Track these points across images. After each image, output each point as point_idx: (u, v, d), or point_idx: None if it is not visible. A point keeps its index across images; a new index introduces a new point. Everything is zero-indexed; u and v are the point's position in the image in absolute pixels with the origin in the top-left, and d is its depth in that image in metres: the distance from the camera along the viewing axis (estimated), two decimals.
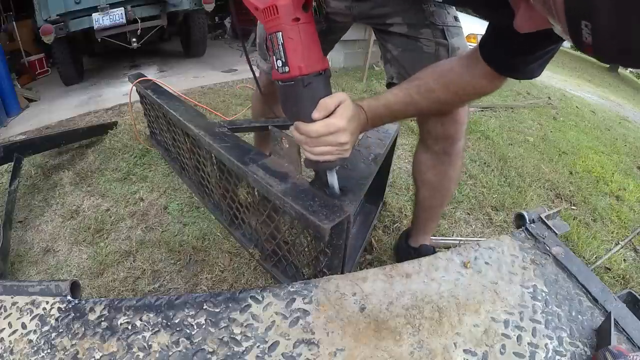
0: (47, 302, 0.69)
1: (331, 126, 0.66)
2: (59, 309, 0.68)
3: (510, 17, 0.52)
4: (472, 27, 4.66)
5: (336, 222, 0.78)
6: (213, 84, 3.42)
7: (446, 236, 1.51)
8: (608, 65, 15.36)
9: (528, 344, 0.66)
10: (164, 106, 1.43)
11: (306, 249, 1.03)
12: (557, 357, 0.66)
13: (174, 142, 1.59)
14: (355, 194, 0.88)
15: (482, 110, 3.20)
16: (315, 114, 0.66)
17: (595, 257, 1.50)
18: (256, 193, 1.07)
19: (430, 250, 1.22)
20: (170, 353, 0.61)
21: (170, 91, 1.63)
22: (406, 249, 1.26)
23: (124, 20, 3.20)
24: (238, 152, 1.06)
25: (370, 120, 0.76)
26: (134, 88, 1.74)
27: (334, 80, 3.48)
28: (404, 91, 0.76)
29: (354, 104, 0.72)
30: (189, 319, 0.65)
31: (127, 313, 0.66)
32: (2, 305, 0.70)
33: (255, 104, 1.51)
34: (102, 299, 0.71)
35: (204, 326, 0.64)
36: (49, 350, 0.63)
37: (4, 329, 0.67)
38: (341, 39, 1.22)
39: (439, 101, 0.76)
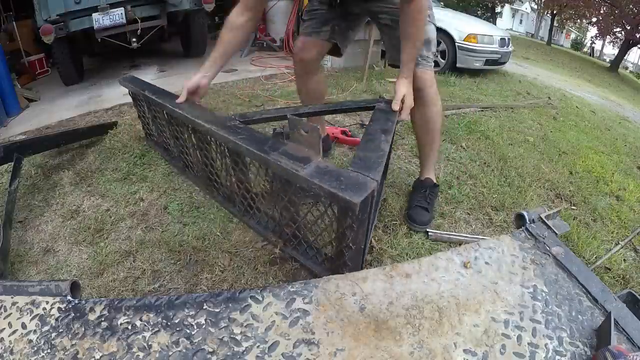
0: (47, 302, 0.69)
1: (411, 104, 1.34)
2: (59, 309, 0.68)
3: None
4: (472, 28, 4.67)
5: (364, 197, 0.83)
6: (213, 84, 3.39)
7: None
8: (608, 65, 15.38)
9: (528, 344, 0.66)
10: (166, 105, 1.42)
11: (329, 228, 1.08)
12: (557, 357, 0.66)
13: (176, 140, 1.59)
14: (376, 170, 0.93)
15: (482, 110, 3.20)
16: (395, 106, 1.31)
17: (595, 257, 1.50)
18: (277, 180, 1.10)
19: (431, 182, 1.66)
20: (170, 353, 0.61)
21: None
22: (416, 182, 1.72)
23: (124, 20, 3.20)
24: (256, 143, 1.08)
25: (412, 74, 1.34)
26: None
27: (335, 80, 3.48)
28: (406, 49, 1.31)
29: (401, 80, 1.32)
30: (189, 319, 0.65)
31: (127, 313, 0.66)
32: (2, 305, 0.70)
33: (295, 80, 1.86)
34: (102, 299, 0.71)
35: (204, 326, 0.64)
36: (49, 350, 0.63)
37: (4, 329, 0.67)
38: None
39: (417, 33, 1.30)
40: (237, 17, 1.38)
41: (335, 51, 1.65)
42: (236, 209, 1.42)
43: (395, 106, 1.29)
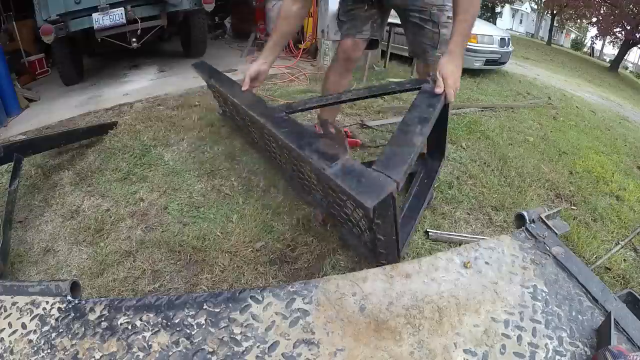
0: (47, 302, 0.69)
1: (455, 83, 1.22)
2: (59, 309, 0.68)
3: None
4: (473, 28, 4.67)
5: (378, 201, 0.82)
6: None
7: None
8: (608, 66, 15.39)
9: (528, 343, 0.66)
10: (228, 95, 1.50)
11: (362, 221, 1.10)
12: (557, 357, 0.66)
13: (243, 121, 1.67)
14: (399, 169, 0.92)
15: (482, 110, 3.20)
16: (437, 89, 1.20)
17: (595, 257, 1.50)
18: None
19: None
20: (170, 353, 0.61)
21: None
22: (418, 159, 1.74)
23: (124, 20, 3.19)
24: (296, 137, 1.11)
25: (460, 50, 1.24)
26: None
27: None
28: (457, 22, 1.25)
29: (445, 57, 1.23)
30: (189, 319, 0.65)
31: (127, 313, 0.66)
32: (2, 305, 0.70)
33: (330, 75, 1.84)
34: (102, 299, 0.71)
35: (204, 326, 0.64)
36: (49, 350, 0.63)
37: (4, 329, 0.67)
38: None
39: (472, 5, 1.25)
40: (290, 6, 1.44)
41: (373, 45, 1.74)
42: (294, 185, 1.49)
43: (438, 89, 1.20)
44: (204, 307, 0.67)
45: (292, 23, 1.48)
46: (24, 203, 1.63)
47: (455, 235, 1.50)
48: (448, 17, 1.48)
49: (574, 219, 1.75)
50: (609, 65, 15.72)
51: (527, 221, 0.92)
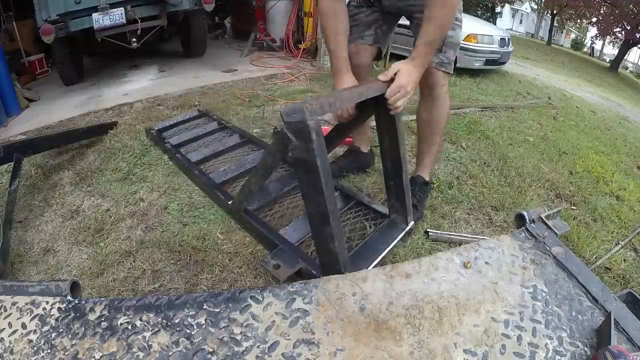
0: (47, 302, 0.69)
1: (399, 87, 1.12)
2: (59, 309, 0.68)
3: None
4: (472, 28, 4.67)
5: None
6: (213, 84, 3.42)
7: None
8: (608, 66, 15.40)
9: (528, 343, 0.66)
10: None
11: None
12: (557, 357, 0.66)
13: None
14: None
15: (482, 110, 3.20)
16: (381, 77, 1.13)
17: (595, 257, 1.50)
18: None
19: (422, 180, 1.62)
20: (170, 353, 0.61)
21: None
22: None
23: (124, 20, 3.19)
24: None
25: (420, 64, 1.16)
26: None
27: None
28: (425, 28, 1.16)
29: (408, 65, 1.14)
30: (189, 319, 0.65)
31: (127, 313, 0.66)
32: (2, 305, 0.70)
33: None
34: (102, 299, 0.71)
35: (204, 326, 0.64)
36: (49, 350, 0.63)
37: (4, 329, 0.67)
38: None
39: (442, 17, 1.15)
40: (335, 4, 1.30)
41: (377, 55, 1.61)
42: None
43: (390, 92, 1.11)
44: (204, 307, 0.67)
45: (345, 20, 1.33)
46: (24, 203, 1.63)
47: (455, 235, 1.50)
48: (456, 19, 1.36)
49: (574, 219, 1.75)
50: (609, 65, 15.74)
51: (527, 221, 0.92)
